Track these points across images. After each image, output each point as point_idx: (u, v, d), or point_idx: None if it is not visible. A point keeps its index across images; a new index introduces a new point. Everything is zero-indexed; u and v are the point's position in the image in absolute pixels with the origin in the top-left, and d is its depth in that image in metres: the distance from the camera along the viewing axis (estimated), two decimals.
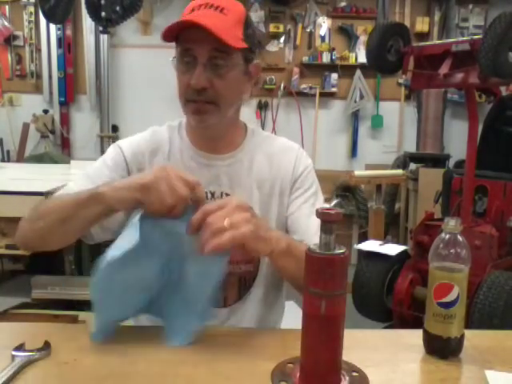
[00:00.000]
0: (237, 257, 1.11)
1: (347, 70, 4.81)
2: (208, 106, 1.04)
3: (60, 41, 4.71)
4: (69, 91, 4.82)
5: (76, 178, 1.15)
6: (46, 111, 4.75)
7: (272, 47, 4.84)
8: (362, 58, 4.59)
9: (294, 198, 1.16)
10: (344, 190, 4.68)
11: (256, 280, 1.14)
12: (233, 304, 1.14)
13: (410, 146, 4.83)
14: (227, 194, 1.12)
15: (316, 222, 1.10)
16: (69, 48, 4.75)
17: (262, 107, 4.89)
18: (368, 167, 4.80)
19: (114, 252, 0.82)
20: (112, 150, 1.14)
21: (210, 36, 0.97)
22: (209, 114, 1.05)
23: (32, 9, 4.69)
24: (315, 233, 1.08)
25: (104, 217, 0.94)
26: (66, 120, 4.88)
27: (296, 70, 4.83)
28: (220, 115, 1.07)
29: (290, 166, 1.16)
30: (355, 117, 4.94)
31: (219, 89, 1.03)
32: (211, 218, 0.83)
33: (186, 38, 1.01)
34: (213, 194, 1.12)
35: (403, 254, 2.70)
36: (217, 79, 1.02)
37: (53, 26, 4.62)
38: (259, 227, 0.87)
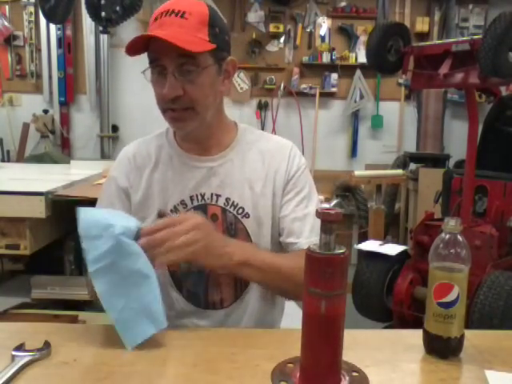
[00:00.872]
0: None
1: (347, 70, 4.81)
2: (185, 112, 1.05)
3: (60, 41, 4.71)
4: (69, 91, 4.82)
5: None
6: (46, 111, 4.75)
7: (272, 47, 4.84)
8: (362, 58, 4.60)
9: (286, 200, 1.14)
10: (344, 189, 4.68)
11: None
12: (230, 305, 1.13)
13: (410, 146, 4.83)
14: (217, 195, 1.12)
15: (309, 226, 1.12)
16: (69, 48, 4.75)
17: (262, 107, 4.89)
18: (368, 167, 4.80)
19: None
20: (107, 182, 1.19)
21: (173, 45, 0.98)
22: (188, 120, 1.06)
23: (32, 9, 4.69)
24: (308, 236, 1.09)
25: None
26: (66, 120, 4.88)
27: (296, 70, 4.83)
28: (199, 119, 1.08)
29: (283, 165, 1.15)
30: (355, 117, 4.94)
31: (193, 94, 1.04)
32: (168, 233, 0.90)
33: (153, 48, 1.03)
34: (203, 196, 1.12)
35: (403, 254, 2.70)
36: (189, 85, 1.03)
37: (53, 26, 4.61)
38: (212, 244, 0.95)
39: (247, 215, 1.12)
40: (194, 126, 1.08)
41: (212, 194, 1.12)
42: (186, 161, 1.14)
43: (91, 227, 0.88)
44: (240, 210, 1.12)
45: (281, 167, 1.15)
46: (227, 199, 1.12)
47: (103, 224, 0.88)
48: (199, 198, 1.12)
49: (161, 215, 1.11)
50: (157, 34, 0.98)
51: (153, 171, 1.15)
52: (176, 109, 1.05)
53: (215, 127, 1.14)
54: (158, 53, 1.02)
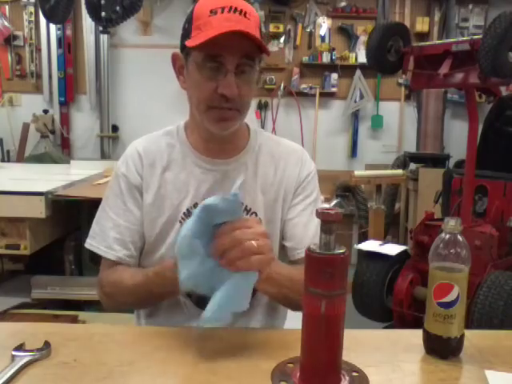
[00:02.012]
0: None
1: (347, 70, 4.81)
2: (232, 112, 1.03)
3: (60, 41, 4.71)
4: (69, 91, 4.82)
5: (97, 216, 1.14)
6: (45, 111, 4.75)
7: (272, 47, 4.84)
8: (362, 58, 4.59)
9: (294, 203, 1.15)
10: (344, 190, 4.68)
11: None
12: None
13: (410, 146, 4.83)
14: None
15: (312, 232, 1.11)
16: (69, 48, 4.75)
17: (262, 107, 4.88)
18: (368, 167, 4.80)
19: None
20: (116, 179, 1.14)
21: (243, 42, 0.97)
22: (232, 120, 1.05)
23: (32, 9, 4.69)
24: (310, 243, 1.08)
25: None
26: (66, 120, 4.88)
27: (296, 69, 4.83)
28: (240, 120, 1.07)
29: (295, 170, 1.15)
30: (355, 117, 4.93)
31: (244, 96, 1.03)
32: (240, 234, 0.83)
33: (215, 43, 0.96)
34: None
35: (403, 254, 2.70)
36: (243, 86, 1.02)
37: (53, 26, 4.61)
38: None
39: (259, 220, 1.10)
40: (235, 127, 1.07)
41: None
42: (199, 163, 1.12)
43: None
44: (253, 215, 1.11)
45: (293, 173, 1.15)
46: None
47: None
48: None
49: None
50: (244, 29, 0.95)
51: (164, 170, 1.11)
52: (223, 108, 1.02)
53: (238, 129, 1.12)
54: (222, 49, 0.98)
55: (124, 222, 1.10)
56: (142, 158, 1.12)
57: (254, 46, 0.99)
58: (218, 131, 1.07)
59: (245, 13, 0.98)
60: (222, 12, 0.97)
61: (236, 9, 0.98)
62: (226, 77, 0.99)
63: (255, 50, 1.00)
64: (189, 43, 0.99)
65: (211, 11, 0.98)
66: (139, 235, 1.12)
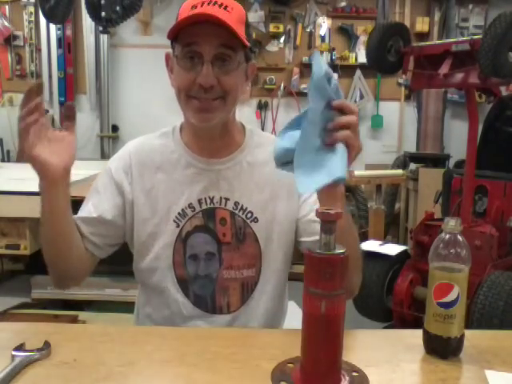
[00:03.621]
0: (238, 261, 1.11)
1: (347, 70, 4.81)
2: (214, 102, 1.02)
3: (60, 41, 4.71)
4: (69, 91, 4.82)
5: (80, 209, 1.17)
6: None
7: (272, 47, 4.84)
8: (362, 58, 4.59)
9: (302, 200, 1.13)
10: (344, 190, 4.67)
11: (258, 285, 1.13)
12: (236, 310, 1.12)
13: (410, 146, 4.83)
14: (227, 199, 1.10)
15: None
16: (69, 48, 4.75)
17: (262, 107, 4.88)
18: (368, 167, 4.80)
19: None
20: (103, 173, 1.17)
21: (218, 31, 0.97)
22: (216, 111, 1.03)
23: (32, 9, 4.69)
24: None
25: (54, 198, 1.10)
26: None
27: (296, 70, 4.83)
28: (226, 111, 1.06)
29: None
30: None
31: (226, 85, 1.02)
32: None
33: (191, 33, 0.99)
34: (212, 200, 1.10)
35: (403, 254, 2.70)
36: (223, 76, 1.01)
37: (53, 26, 4.62)
38: None
39: (256, 219, 1.10)
40: (219, 119, 1.05)
41: (221, 198, 1.10)
42: (194, 163, 1.12)
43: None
44: (249, 215, 1.10)
45: None
46: (236, 203, 1.10)
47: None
48: (208, 201, 1.10)
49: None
50: (214, 13, 0.95)
51: (157, 171, 1.12)
52: (205, 98, 1.02)
53: (229, 126, 1.12)
54: (198, 38, 0.99)
55: (96, 215, 1.12)
56: (131, 158, 1.13)
57: (232, 35, 0.99)
58: (199, 123, 1.06)
59: (225, 6, 0.99)
60: (202, 6, 0.99)
61: (216, 2, 0.99)
62: (202, 67, 1.00)
63: (233, 39, 1.00)
64: (168, 36, 1.02)
65: (192, 7, 1.00)
66: (108, 229, 1.12)
